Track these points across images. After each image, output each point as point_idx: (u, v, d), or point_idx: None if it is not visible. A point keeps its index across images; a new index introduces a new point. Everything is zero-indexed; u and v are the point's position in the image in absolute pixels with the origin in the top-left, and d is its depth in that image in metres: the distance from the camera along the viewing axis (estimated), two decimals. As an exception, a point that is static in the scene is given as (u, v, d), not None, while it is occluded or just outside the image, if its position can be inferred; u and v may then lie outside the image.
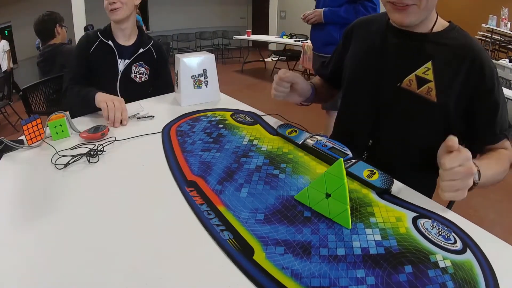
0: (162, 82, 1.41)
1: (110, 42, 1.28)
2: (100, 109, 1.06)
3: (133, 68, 1.32)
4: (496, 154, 0.76)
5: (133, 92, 1.24)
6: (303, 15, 2.02)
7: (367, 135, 0.89)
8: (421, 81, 0.77)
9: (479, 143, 0.79)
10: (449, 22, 0.80)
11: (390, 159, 0.83)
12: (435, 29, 0.78)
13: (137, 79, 1.34)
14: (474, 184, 0.61)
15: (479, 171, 0.63)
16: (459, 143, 0.60)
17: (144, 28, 1.63)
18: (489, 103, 0.75)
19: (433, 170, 0.79)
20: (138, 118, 1.07)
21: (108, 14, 1.25)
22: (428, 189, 0.92)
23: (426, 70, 0.77)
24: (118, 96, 1.18)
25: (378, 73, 0.84)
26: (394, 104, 0.82)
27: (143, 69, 1.34)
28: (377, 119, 0.86)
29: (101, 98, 1.05)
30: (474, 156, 0.65)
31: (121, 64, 1.31)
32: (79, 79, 1.26)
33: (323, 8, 1.89)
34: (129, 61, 1.31)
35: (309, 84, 1.00)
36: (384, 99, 0.83)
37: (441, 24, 0.79)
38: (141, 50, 1.33)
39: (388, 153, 0.86)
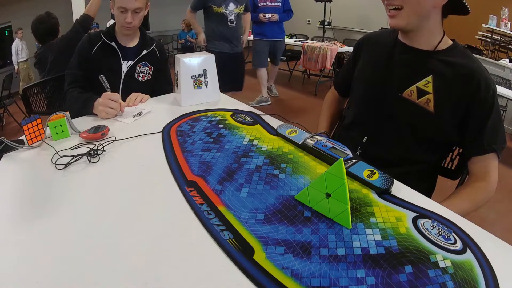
0: (163, 78, 1.42)
1: (113, 44, 1.29)
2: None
3: (137, 68, 1.33)
4: (458, 193, 0.81)
5: (136, 91, 1.24)
6: (265, 16, 3.62)
7: (364, 134, 0.93)
8: (421, 93, 0.82)
9: (467, 153, 0.85)
10: (453, 40, 0.84)
11: (384, 157, 0.88)
12: (439, 47, 0.83)
13: (140, 78, 1.35)
14: None
15: None
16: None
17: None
18: (480, 117, 0.79)
19: (430, 177, 0.92)
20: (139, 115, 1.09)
21: (120, 27, 1.27)
22: (427, 189, 0.93)
23: (426, 83, 0.82)
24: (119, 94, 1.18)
25: (382, 83, 0.89)
26: (395, 112, 0.87)
27: (146, 68, 1.35)
28: (379, 124, 0.90)
29: (98, 110, 1.06)
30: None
31: (124, 65, 1.31)
32: (79, 81, 1.26)
33: (278, 14, 3.67)
34: (133, 62, 1.32)
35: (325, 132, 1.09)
36: (387, 107, 0.88)
37: (446, 42, 0.84)
38: (145, 51, 1.33)
39: (383, 153, 0.89)
